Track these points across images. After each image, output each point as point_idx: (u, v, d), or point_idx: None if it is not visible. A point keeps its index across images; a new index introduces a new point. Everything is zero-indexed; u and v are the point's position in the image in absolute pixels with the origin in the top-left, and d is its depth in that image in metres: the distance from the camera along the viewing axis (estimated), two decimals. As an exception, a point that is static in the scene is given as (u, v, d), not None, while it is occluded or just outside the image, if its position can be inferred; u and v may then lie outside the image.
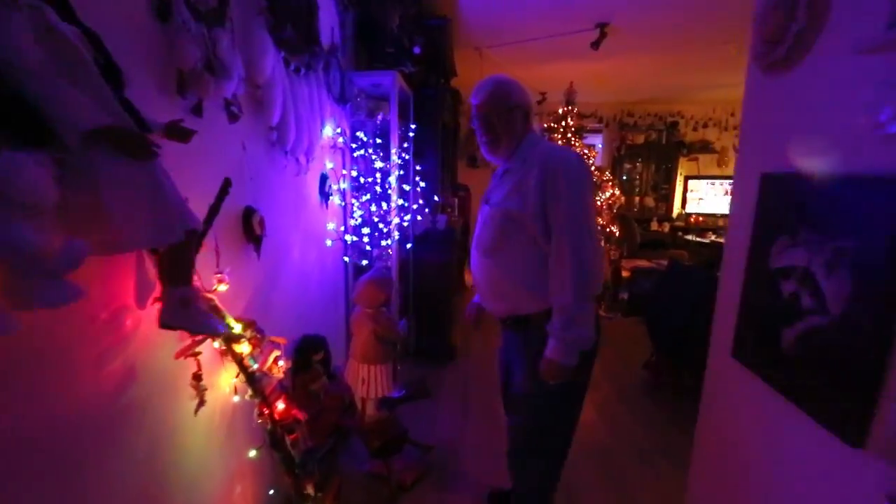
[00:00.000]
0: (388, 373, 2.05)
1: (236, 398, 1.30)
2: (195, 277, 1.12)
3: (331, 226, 2.27)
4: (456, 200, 4.65)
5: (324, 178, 2.19)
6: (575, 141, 4.23)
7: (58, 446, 0.85)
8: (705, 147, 6.41)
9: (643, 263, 4.87)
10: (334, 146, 2.27)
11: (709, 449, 1.33)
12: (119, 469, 1.00)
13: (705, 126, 6.43)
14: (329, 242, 2.26)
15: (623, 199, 4.88)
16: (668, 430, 2.52)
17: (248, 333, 1.25)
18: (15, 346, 0.75)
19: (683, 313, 2.75)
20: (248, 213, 1.48)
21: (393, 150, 2.55)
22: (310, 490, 1.45)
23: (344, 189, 2.45)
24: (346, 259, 2.54)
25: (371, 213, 2.51)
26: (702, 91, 5.73)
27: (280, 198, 1.74)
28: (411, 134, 2.75)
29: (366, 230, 2.49)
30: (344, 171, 2.43)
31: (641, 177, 6.64)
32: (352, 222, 2.50)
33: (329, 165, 2.24)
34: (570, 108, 4.23)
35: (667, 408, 2.76)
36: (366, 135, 2.51)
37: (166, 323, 0.90)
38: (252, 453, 1.37)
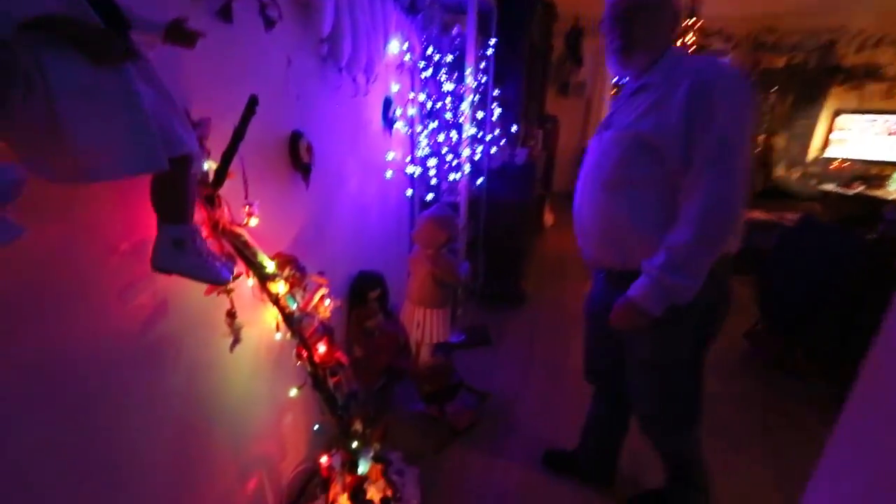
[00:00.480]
0: (445, 318, 1.93)
1: (278, 335, 1.25)
2: (223, 209, 1.03)
3: (391, 155, 2.08)
4: (541, 132, 4.18)
5: (388, 102, 1.97)
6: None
7: (83, 370, 0.82)
8: (872, 73, 5.00)
9: (759, 215, 4.12)
10: (401, 65, 2.02)
11: (851, 482, 1.00)
12: (156, 394, 0.99)
13: (876, 45, 4.95)
14: (389, 174, 2.09)
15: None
16: (764, 412, 2.17)
17: (286, 272, 1.15)
18: (27, 275, 0.70)
19: (810, 282, 2.26)
20: (295, 139, 1.34)
21: (468, 72, 2.23)
22: (358, 426, 1.43)
23: (412, 115, 2.22)
24: (410, 192, 2.37)
25: (439, 144, 2.28)
26: (882, -4, 4.35)
27: (333, 122, 1.58)
28: (490, 52, 2.38)
29: (433, 162, 2.27)
30: (411, 95, 2.19)
31: (773, 110, 5.45)
32: (418, 153, 2.29)
33: (395, 87, 2.01)
34: (692, 21, 3.46)
35: (766, 387, 2.38)
36: (439, 53, 2.21)
37: (157, 266, 0.80)
38: (293, 392, 1.34)
